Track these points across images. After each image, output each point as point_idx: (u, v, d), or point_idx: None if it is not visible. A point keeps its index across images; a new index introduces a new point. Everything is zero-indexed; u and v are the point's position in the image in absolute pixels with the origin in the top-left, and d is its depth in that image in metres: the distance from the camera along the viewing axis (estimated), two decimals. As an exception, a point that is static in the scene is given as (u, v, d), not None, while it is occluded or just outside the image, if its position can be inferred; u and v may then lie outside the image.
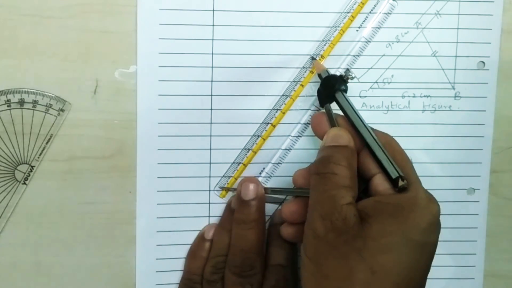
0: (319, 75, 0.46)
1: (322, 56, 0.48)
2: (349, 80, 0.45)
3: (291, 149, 0.49)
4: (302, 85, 0.48)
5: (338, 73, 0.46)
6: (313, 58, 0.48)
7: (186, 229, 0.49)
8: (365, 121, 0.43)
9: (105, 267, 0.49)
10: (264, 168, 0.49)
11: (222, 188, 0.49)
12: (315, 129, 0.45)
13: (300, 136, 0.49)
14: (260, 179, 0.49)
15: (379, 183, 0.41)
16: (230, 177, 0.49)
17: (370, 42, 0.48)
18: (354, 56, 0.48)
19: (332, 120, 0.44)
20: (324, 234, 0.38)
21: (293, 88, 0.48)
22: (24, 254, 0.48)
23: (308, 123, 0.48)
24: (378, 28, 0.48)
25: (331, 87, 0.45)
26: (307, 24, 0.48)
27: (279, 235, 0.47)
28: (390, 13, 0.48)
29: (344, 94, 0.44)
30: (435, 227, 0.40)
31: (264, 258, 0.47)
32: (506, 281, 0.52)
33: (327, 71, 0.46)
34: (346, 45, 0.48)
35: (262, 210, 0.47)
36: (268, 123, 0.48)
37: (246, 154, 0.48)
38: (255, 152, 0.49)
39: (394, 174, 0.40)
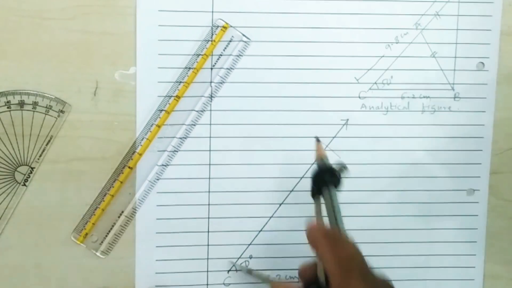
0: (316, 160, 0.43)
1: (177, 98, 0.48)
2: (341, 176, 0.42)
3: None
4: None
5: (335, 165, 0.42)
6: (317, 140, 0.44)
7: (185, 230, 0.49)
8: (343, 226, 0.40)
9: (105, 269, 0.49)
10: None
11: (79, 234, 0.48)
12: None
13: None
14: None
15: None
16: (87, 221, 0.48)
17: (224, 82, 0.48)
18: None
19: (319, 216, 0.41)
20: None
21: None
22: (24, 255, 0.48)
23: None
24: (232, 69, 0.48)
25: (321, 180, 0.41)
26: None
27: None
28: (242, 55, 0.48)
29: (332, 191, 0.41)
30: None
31: None
32: (505, 282, 0.52)
33: (322, 160, 0.42)
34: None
35: None
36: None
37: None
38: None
39: None
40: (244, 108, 0.48)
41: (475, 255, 0.51)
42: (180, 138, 0.48)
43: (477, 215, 0.51)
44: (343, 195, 0.50)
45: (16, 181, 0.47)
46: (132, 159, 0.48)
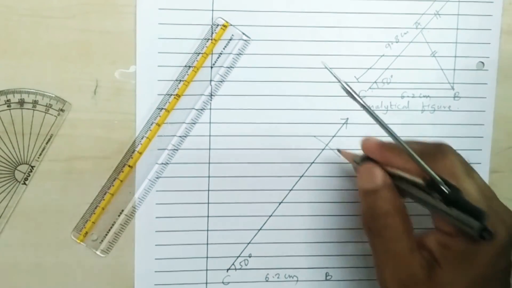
0: (356, 162, 0.44)
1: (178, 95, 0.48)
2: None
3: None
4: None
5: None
6: (339, 151, 0.48)
7: (185, 229, 0.49)
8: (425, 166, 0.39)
9: (104, 267, 0.49)
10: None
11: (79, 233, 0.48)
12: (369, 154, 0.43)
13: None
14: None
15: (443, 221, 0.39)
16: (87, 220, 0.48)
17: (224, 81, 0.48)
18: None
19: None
20: None
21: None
22: (23, 255, 0.48)
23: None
24: (232, 67, 0.48)
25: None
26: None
27: None
28: (242, 54, 0.48)
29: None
30: (504, 251, 0.38)
31: None
32: (505, 281, 0.52)
33: (359, 156, 0.44)
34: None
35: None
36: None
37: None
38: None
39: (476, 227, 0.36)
40: (244, 106, 0.48)
41: (474, 254, 0.51)
42: (180, 136, 0.48)
43: (476, 215, 0.51)
44: (342, 194, 0.50)
45: (16, 180, 0.47)
46: (132, 157, 0.48)
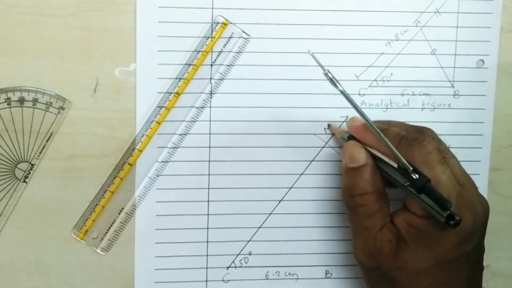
0: (343, 138, 0.46)
1: (178, 93, 0.48)
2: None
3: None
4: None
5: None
6: (329, 126, 0.49)
7: (185, 227, 0.49)
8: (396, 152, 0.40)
9: (105, 265, 0.49)
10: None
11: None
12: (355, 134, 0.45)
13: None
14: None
15: (412, 202, 0.41)
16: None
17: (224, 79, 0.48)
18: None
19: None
20: (368, 265, 0.41)
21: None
22: (24, 253, 0.48)
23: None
24: (231, 65, 0.48)
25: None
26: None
27: None
28: (242, 52, 0.48)
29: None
30: (470, 237, 0.40)
31: None
32: (506, 279, 0.52)
33: (347, 132, 0.46)
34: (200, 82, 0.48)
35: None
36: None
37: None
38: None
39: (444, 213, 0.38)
40: (244, 104, 0.48)
41: (474, 252, 0.51)
42: (180, 134, 0.48)
43: (476, 213, 0.51)
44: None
45: (16, 178, 0.47)
46: (132, 155, 0.48)
